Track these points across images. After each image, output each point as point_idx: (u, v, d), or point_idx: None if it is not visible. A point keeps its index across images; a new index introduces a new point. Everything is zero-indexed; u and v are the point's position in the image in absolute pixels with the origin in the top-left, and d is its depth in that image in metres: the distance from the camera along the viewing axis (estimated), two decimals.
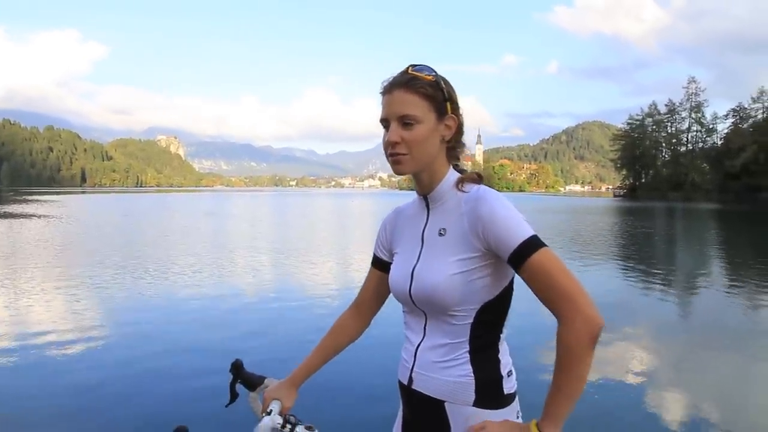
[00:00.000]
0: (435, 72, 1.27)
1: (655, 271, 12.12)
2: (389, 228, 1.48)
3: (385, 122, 1.27)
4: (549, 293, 1.13)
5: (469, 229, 1.22)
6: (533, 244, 1.15)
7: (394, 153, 1.25)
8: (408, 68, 1.27)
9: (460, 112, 1.31)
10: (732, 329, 6.62)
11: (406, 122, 1.23)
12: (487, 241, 1.19)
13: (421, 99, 1.24)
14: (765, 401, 4.41)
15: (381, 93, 1.29)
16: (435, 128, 1.26)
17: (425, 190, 1.33)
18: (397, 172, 1.28)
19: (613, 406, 4.18)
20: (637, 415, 4.03)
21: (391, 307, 1.48)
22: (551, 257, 1.15)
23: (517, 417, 1.29)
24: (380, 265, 1.49)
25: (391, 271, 1.41)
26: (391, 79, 1.28)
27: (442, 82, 1.27)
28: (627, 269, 12.27)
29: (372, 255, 1.53)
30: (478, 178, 1.31)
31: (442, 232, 1.29)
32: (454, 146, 1.33)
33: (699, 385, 4.79)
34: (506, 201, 1.21)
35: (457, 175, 1.32)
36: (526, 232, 1.16)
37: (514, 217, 1.18)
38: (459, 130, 1.31)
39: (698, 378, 5.00)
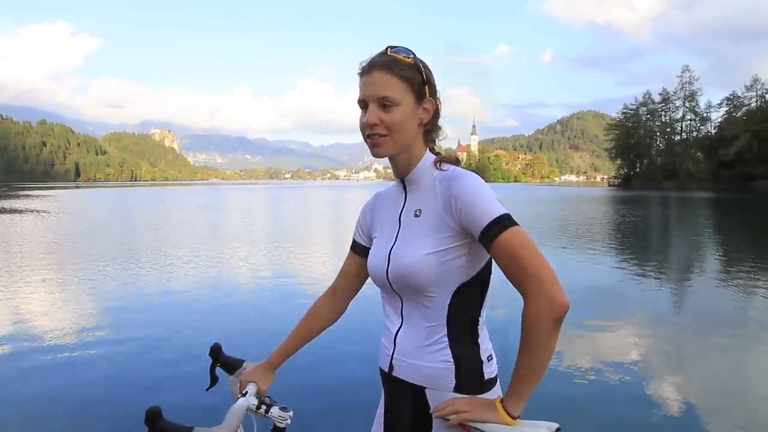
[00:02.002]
0: (414, 54, 1.27)
1: (646, 259, 12.13)
2: (369, 213, 1.48)
3: (363, 103, 1.26)
4: (516, 272, 1.13)
5: (443, 209, 1.23)
6: (504, 222, 1.15)
7: (372, 135, 1.25)
8: (386, 49, 1.26)
9: (438, 95, 1.30)
10: (723, 316, 6.64)
11: (384, 104, 1.23)
12: (459, 220, 1.19)
13: (401, 81, 1.23)
14: (757, 387, 4.42)
15: (359, 74, 1.27)
16: (413, 111, 1.26)
17: (402, 172, 1.34)
18: (375, 155, 1.28)
19: (606, 392, 4.19)
20: (632, 401, 4.04)
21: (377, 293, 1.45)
22: (521, 236, 1.14)
23: None
24: (358, 249, 1.49)
25: (369, 255, 1.41)
26: (369, 60, 1.26)
27: (420, 65, 1.26)
28: (617, 258, 12.27)
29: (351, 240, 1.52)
30: (456, 161, 1.32)
31: (417, 213, 1.29)
32: (431, 129, 1.32)
33: (692, 372, 4.80)
34: (480, 180, 1.22)
35: (434, 157, 1.32)
36: (498, 210, 1.16)
37: (486, 195, 1.18)
38: (436, 113, 1.31)
39: (691, 364, 5.01)
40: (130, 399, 4.05)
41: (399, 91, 1.23)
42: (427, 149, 1.33)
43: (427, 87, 1.27)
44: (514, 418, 1.16)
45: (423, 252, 1.23)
